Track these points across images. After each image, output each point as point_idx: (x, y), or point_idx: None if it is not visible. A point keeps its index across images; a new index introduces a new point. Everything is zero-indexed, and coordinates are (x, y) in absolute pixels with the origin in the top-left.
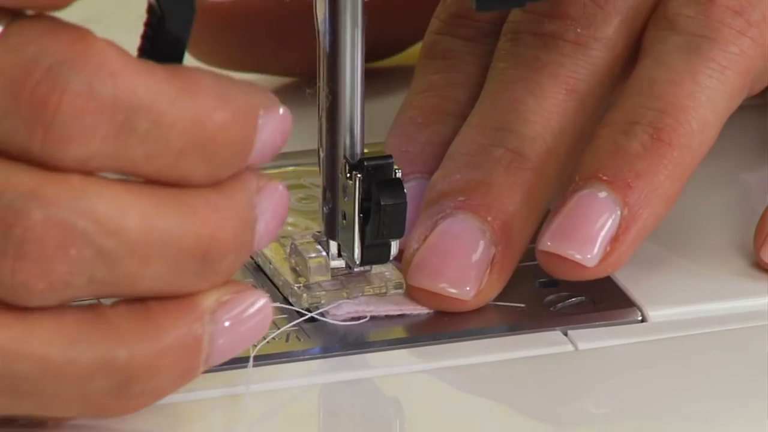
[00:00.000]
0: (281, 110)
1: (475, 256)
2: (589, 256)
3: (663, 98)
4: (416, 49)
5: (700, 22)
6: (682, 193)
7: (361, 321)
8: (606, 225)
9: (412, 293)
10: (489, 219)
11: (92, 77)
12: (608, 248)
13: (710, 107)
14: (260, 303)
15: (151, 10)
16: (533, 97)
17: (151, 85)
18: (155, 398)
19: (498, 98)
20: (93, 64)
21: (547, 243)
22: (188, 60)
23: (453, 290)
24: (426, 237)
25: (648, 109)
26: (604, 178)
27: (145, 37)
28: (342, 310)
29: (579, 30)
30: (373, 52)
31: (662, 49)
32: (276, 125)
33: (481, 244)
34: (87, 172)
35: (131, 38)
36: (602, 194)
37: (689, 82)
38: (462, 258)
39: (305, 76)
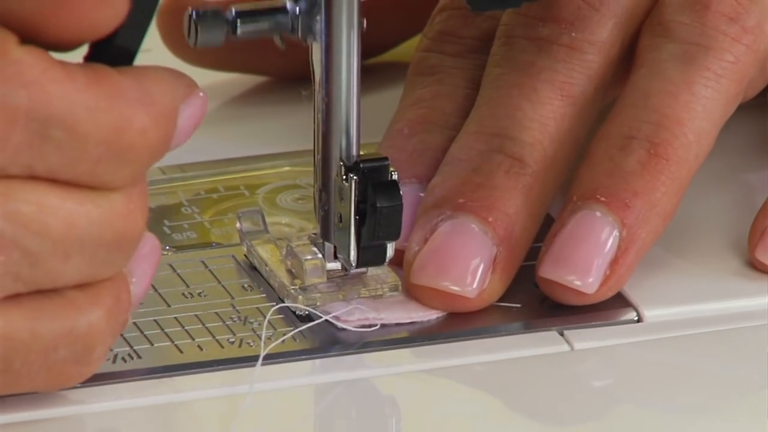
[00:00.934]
0: (201, 94)
1: (478, 256)
2: (590, 280)
3: (659, 111)
4: (405, 46)
5: (695, 30)
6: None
7: (372, 329)
8: (605, 249)
9: (414, 292)
10: (490, 220)
11: (5, 88)
12: (608, 272)
13: (706, 117)
14: (152, 243)
15: None
16: (530, 104)
17: (68, 94)
18: (103, 360)
19: (494, 105)
20: (6, 75)
21: (547, 270)
22: (168, 58)
23: (456, 288)
24: (427, 239)
25: (644, 123)
26: (602, 198)
27: (94, 43)
28: (353, 316)
29: (573, 34)
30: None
31: (657, 58)
32: (194, 110)
33: (483, 244)
34: (6, 177)
35: None
36: (600, 216)
37: (685, 92)
38: (465, 257)
39: (286, 77)
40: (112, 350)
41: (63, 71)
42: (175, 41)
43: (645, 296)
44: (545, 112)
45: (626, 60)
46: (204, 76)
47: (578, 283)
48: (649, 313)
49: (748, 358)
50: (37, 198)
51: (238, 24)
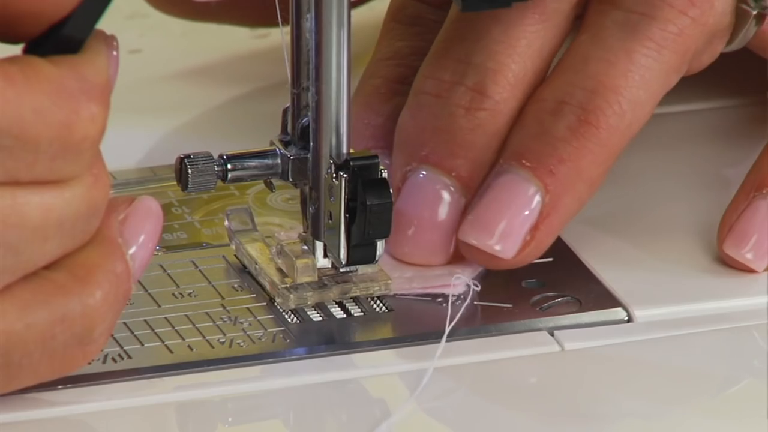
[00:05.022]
0: (114, 44)
1: (444, 217)
2: (508, 246)
3: (595, 77)
4: None
5: None
6: (672, 192)
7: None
8: (525, 213)
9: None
10: (454, 174)
11: None
12: (528, 237)
13: (644, 86)
14: (151, 205)
15: None
16: (499, 24)
17: (11, 100)
18: (109, 335)
19: (464, 24)
20: None
21: (468, 233)
22: (146, 10)
23: (425, 254)
24: (398, 189)
25: (578, 88)
26: (527, 164)
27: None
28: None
29: None
30: None
31: (600, 24)
32: (114, 62)
33: (449, 201)
34: None
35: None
36: (524, 180)
37: (624, 60)
38: (431, 221)
39: (261, 26)
40: (102, 351)
41: (4, 76)
42: None
43: (635, 296)
44: (515, 32)
45: None
46: (191, 78)
47: (497, 248)
48: (640, 314)
49: (739, 358)
50: (13, 191)
51: (228, 168)
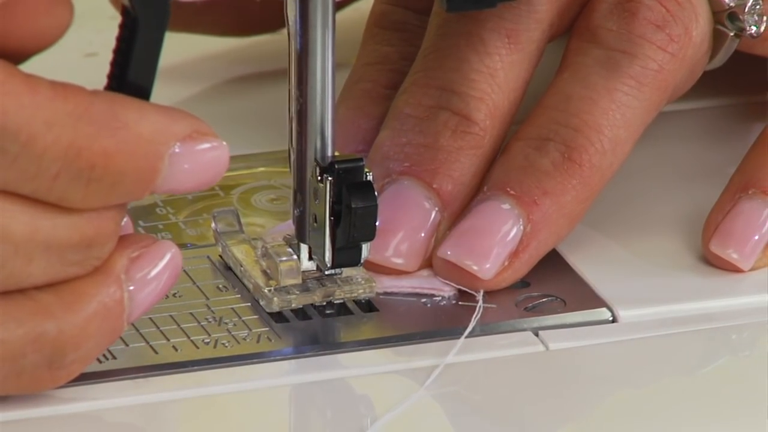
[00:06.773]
0: (212, 142)
1: (419, 226)
2: (486, 266)
3: (577, 115)
4: None
5: (621, 37)
6: (657, 192)
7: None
8: (506, 239)
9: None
10: (435, 186)
11: None
12: (506, 262)
13: (624, 125)
14: (170, 253)
15: (125, 11)
16: (476, 55)
17: (26, 107)
18: (84, 365)
19: (442, 55)
20: None
21: (447, 251)
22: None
23: (398, 261)
24: None
25: (562, 126)
26: (512, 192)
27: (120, 38)
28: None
29: None
30: None
31: (582, 62)
32: (202, 157)
33: (426, 212)
34: None
35: (103, 38)
36: (507, 207)
37: (605, 99)
38: (406, 229)
39: (232, 35)
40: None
41: (25, 84)
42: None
43: (620, 296)
44: (492, 62)
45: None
46: (171, 76)
47: (475, 267)
48: (624, 314)
49: (724, 358)
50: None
51: None
